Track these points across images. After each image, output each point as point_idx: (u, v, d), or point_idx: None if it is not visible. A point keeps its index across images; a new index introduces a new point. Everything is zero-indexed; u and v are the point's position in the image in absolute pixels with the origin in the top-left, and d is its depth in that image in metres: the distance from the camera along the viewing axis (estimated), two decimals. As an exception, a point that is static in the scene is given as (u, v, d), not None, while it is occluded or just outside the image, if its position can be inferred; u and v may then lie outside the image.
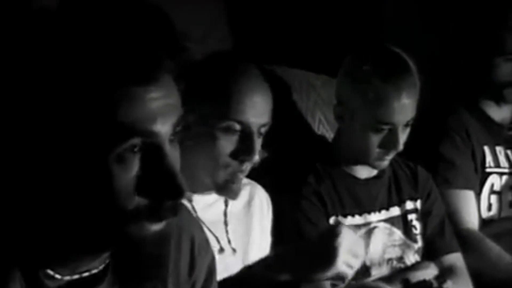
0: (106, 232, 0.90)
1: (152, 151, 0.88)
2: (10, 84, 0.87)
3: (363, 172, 1.99)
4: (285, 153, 2.05)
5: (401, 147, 1.89)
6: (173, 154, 0.90)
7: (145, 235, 0.90)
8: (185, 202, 1.59)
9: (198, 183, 1.63)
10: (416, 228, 2.01)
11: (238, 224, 1.72)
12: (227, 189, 1.63)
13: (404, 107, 1.85)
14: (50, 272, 0.93)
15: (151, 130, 0.87)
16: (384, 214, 1.98)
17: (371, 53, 1.93)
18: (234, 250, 1.68)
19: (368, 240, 1.92)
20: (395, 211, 2.00)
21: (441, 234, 2.05)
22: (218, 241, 1.67)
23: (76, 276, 0.95)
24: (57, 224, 0.91)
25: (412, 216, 2.02)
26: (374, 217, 1.96)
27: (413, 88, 1.88)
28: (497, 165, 2.31)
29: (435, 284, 1.89)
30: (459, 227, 2.16)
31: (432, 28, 2.70)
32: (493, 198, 2.30)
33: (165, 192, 0.89)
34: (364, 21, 2.72)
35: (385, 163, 1.94)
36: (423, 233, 2.03)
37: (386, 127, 1.86)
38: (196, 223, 1.15)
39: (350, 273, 1.53)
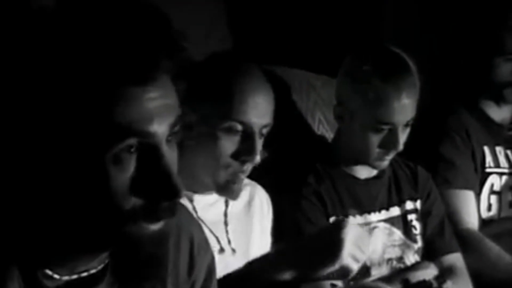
0: (103, 232, 0.90)
1: (149, 152, 0.88)
2: (7, 84, 0.87)
3: (363, 172, 1.99)
4: (285, 153, 2.05)
5: (401, 147, 1.88)
6: (170, 155, 0.90)
7: (143, 235, 0.90)
8: (186, 202, 1.59)
9: (199, 183, 1.63)
10: (416, 228, 2.01)
11: (238, 225, 1.72)
12: (227, 190, 1.63)
13: (404, 107, 1.85)
14: (49, 272, 0.93)
15: (147, 131, 0.87)
16: (384, 214, 1.98)
17: (371, 53, 1.93)
18: (233, 251, 1.68)
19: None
20: (395, 211, 2.00)
21: (441, 234, 2.05)
22: (219, 241, 1.67)
23: (74, 276, 0.95)
24: (54, 224, 0.91)
25: (412, 216, 2.01)
26: (374, 217, 1.96)
27: (413, 88, 1.88)
28: (497, 165, 2.31)
29: (435, 284, 1.89)
30: (459, 227, 2.16)
31: (432, 28, 2.70)
32: (493, 198, 2.30)
33: (161, 193, 0.88)
34: (364, 21, 2.72)
35: (385, 163, 1.94)
36: (423, 233, 2.03)
37: (386, 127, 1.86)
38: (195, 222, 1.15)
39: (355, 267, 1.52)
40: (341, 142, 1.99)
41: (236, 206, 1.72)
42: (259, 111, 1.58)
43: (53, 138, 0.86)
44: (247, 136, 1.58)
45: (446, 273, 1.97)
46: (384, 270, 1.95)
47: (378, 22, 2.75)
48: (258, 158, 1.60)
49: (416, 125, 1.93)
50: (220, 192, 1.65)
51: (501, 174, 2.31)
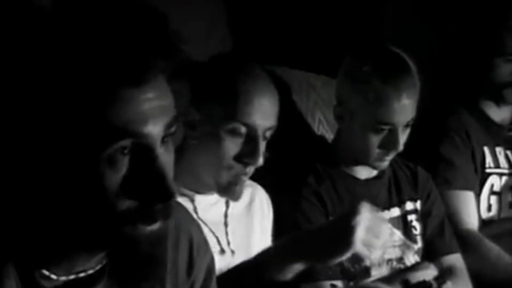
0: (99, 232, 0.89)
1: (143, 153, 0.87)
2: (2, 84, 0.87)
3: (363, 172, 1.99)
4: (285, 153, 2.04)
5: (401, 147, 1.88)
6: (165, 156, 0.89)
7: (141, 235, 0.89)
8: (187, 202, 1.59)
9: (201, 183, 1.63)
10: (416, 229, 2.01)
11: (238, 226, 1.72)
12: (229, 191, 1.63)
13: (404, 108, 1.85)
14: (46, 272, 0.93)
15: (142, 132, 0.86)
16: (384, 215, 1.98)
17: (371, 53, 1.92)
18: (233, 252, 1.68)
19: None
20: (395, 211, 2.00)
21: (441, 235, 2.04)
22: (219, 242, 1.66)
23: (72, 277, 0.95)
24: (50, 223, 0.90)
25: (412, 217, 2.01)
26: (374, 217, 1.96)
27: (413, 88, 1.88)
28: (497, 165, 2.31)
29: (434, 285, 1.89)
30: (459, 227, 2.15)
31: (432, 28, 2.70)
32: (493, 199, 2.30)
33: (154, 195, 0.88)
34: (364, 21, 2.72)
35: (385, 163, 1.94)
36: (423, 234, 2.02)
37: (386, 127, 1.86)
38: (194, 223, 1.14)
39: (368, 255, 1.50)
40: (341, 142, 1.99)
41: (236, 207, 1.72)
42: (264, 113, 1.58)
43: (49, 137, 0.85)
44: (251, 138, 1.57)
45: (446, 273, 1.97)
46: (384, 271, 1.94)
47: (378, 22, 2.75)
48: (261, 161, 1.59)
49: (416, 125, 1.92)
50: (221, 193, 1.65)
51: (501, 174, 2.31)
